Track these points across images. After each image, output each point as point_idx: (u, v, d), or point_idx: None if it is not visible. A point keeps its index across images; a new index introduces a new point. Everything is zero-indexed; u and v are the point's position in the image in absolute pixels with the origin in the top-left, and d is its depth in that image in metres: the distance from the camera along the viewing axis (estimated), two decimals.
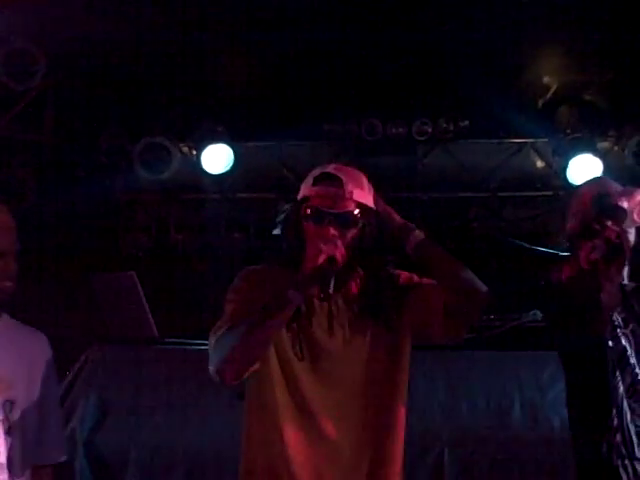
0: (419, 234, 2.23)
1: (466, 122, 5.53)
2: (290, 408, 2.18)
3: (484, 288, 2.16)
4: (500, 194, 5.79)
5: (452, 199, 5.84)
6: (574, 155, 5.27)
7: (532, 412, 3.49)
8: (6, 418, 2.27)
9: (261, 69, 5.33)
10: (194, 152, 5.64)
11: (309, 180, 2.27)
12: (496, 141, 5.69)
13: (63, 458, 2.49)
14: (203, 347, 3.47)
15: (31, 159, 5.53)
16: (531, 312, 3.67)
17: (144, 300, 3.84)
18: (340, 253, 2.09)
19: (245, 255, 5.83)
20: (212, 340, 2.15)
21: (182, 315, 4.77)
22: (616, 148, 5.48)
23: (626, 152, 5.31)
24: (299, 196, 2.29)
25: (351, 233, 2.20)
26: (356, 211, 2.21)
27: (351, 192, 2.23)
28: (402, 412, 2.25)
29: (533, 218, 5.82)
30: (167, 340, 3.86)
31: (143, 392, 3.58)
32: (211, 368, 2.11)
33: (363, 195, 2.26)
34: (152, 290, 4.03)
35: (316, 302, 2.21)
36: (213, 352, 2.13)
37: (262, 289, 2.19)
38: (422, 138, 5.51)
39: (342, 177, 2.23)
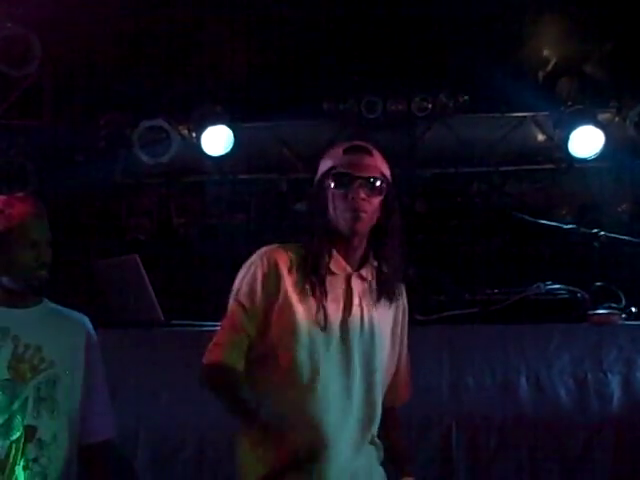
0: None
1: (466, 97, 5.49)
2: (300, 370, 2.22)
3: None
4: (502, 168, 5.76)
5: (454, 175, 5.82)
6: (575, 127, 5.23)
7: (538, 384, 3.49)
8: (50, 397, 2.32)
9: (259, 49, 5.30)
10: (194, 134, 5.61)
11: (337, 151, 2.31)
12: (497, 115, 5.64)
13: (110, 435, 2.52)
14: (207, 329, 3.49)
15: (31, 145, 5.52)
16: (534, 285, 3.67)
17: (148, 282, 3.83)
18: (365, 221, 2.22)
19: (246, 236, 5.83)
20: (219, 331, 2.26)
21: (185, 297, 4.77)
22: (617, 119, 5.44)
23: (627, 122, 5.28)
24: (323, 168, 2.31)
25: (376, 201, 2.25)
26: (382, 181, 2.27)
27: (381, 163, 2.30)
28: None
29: (535, 192, 5.80)
30: (173, 323, 3.86)
31: (150, 374, 3.59)
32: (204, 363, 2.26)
33: (387, 170, 2.32)
34: (156, 273, 4.03)
35: (331, 278, 2.26)
36: (209, 353, 2.25)
37: (277, 274, 2.24)
38: (422, 114, 5.47)
39: (371, 149, 2.31)
